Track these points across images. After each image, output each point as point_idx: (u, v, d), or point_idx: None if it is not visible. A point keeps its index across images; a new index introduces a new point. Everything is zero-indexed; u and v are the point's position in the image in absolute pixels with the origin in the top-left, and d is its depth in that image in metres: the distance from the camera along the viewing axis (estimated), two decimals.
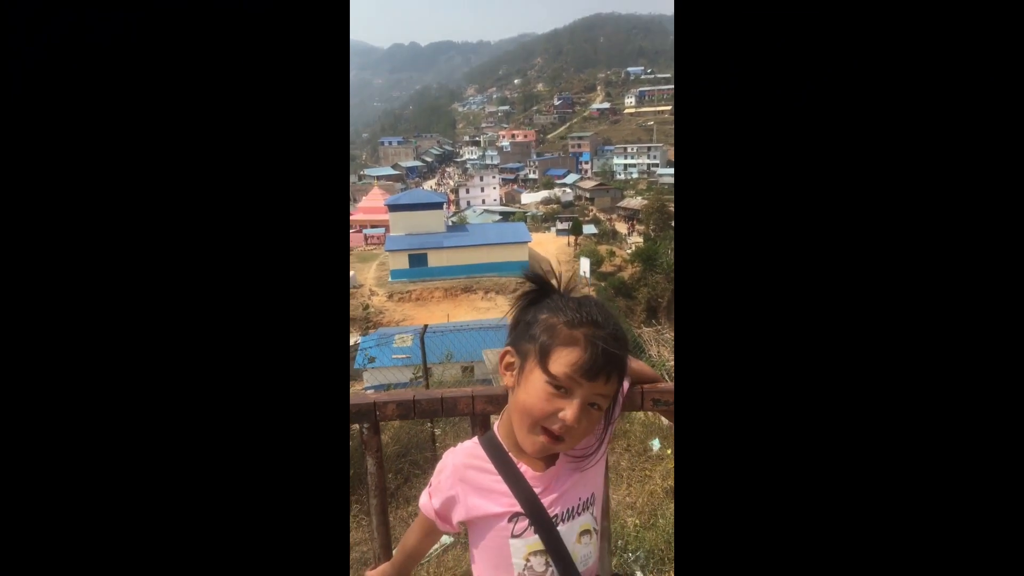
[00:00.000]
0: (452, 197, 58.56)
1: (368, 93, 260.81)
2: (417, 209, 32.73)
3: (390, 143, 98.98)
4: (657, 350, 16.28)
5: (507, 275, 30.35)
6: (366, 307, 27.22)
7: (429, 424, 4.50)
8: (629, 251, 34.41)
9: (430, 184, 73.89)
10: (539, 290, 0.97)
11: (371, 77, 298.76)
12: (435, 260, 30.62)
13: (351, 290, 29.62)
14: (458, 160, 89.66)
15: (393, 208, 33.65)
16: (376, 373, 15.37)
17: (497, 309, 28.18)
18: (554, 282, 0.99)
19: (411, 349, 16.86)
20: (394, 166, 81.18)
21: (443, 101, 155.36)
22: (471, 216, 48.36)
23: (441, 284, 29.60)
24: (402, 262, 30.48)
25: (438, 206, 34.51)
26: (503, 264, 30.73)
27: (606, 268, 31.95)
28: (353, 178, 75.61)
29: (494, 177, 63.43)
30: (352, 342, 21.19)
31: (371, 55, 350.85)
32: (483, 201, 59.12)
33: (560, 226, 41.19)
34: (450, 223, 39.35)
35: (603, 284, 29.73)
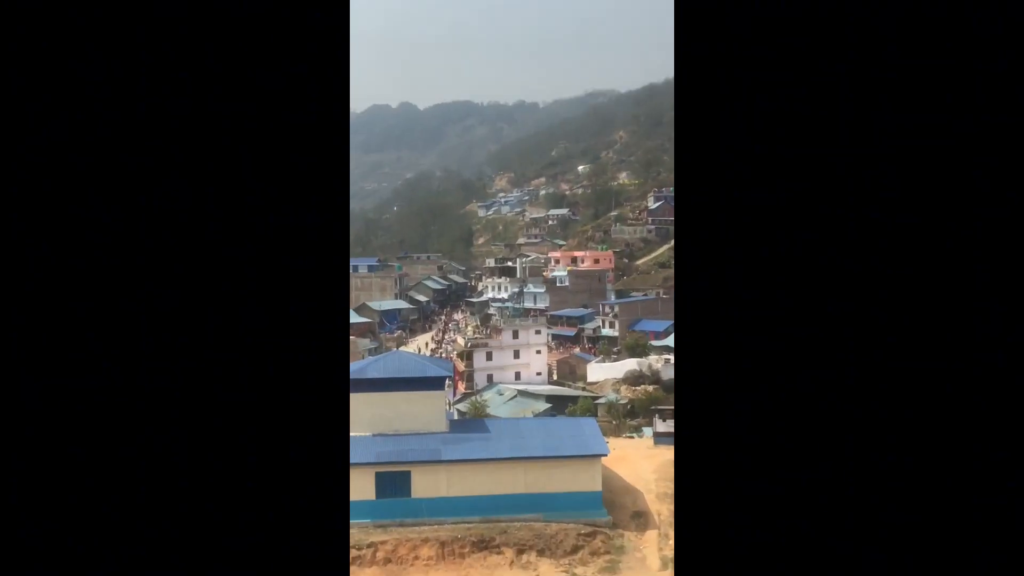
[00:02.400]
0: (462, 368, 59.53)
1: None
2: (397, 388, 33.00)
3: (355, 268, 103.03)
4: None
5: (561, 518, 29.40)
6: None
7: None
8: None
9: (423, 341, 75.76)
10: None
11: None
12: (424, 486, 30.16)
13: None
14: (475, 300, 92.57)
15: (354, 386, 34.02)
16: None
17: None
18: None
19: None
20: (359, 308, 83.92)
21: (452, 199, 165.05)
22: (495, 403, 48.58)
23: (434, 533, 28.73)
24: (365, 488, 30.01)
25: (436, 384, 34.77)
26: (554, 497, 29.96)
27: None
28: None
29: (539, 332, 64.66)
30: None
31: None
32: (518, 375, 60.11)
33: (660, 427, 40.67)
34: (455, 415, 39.18)
35: None
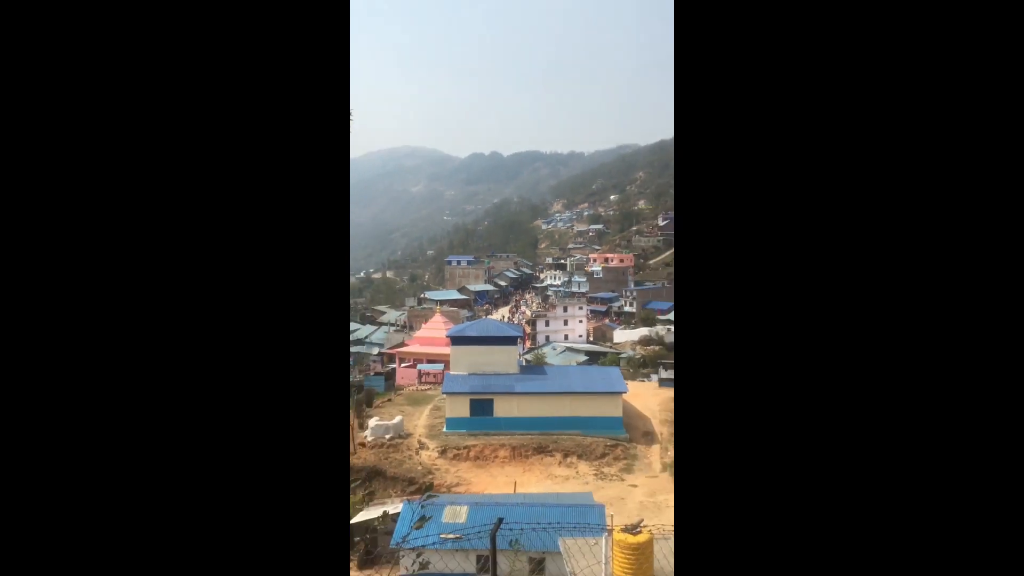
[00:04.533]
0: (529, 330, 59.78)
1: (438, 206, 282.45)
2: (485, 343, 33.35)
3: (458, 262, 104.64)
4: None
5: (593, 434, 29.45)
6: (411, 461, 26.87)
7: None
8: None
9: (502, 313, 76.33)
10: None
11: (443, 188, 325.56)
12: (503, 409, 30.42)
13: (398, 439, 29.58)
14: (538, 286, 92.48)
15: (456, 340, 34.49)
16: (415, 558, 14.55)
17: (578, 479, 26.95)
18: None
19: (465, 527, 16.08)
20: (461, 289, 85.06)
21: (524, 217, 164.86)
22: (551, 355, 48.67)
23: (508, 440, 29.01)
24: (462, 409, 30.48)
25: (511, 341, 35.03)
26: (589, 420, 29.99)
27: None
28: (412, 301, 79.41)
29: (581, 308, 64.58)
30: (389, 510, 20.61)
31: (445, 164, 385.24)
32: (566, 337, 59.88)
33: (664, 374, 40.27)
34: (524, 362, 39.56)
35: None
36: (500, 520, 4.90)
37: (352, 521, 19.49)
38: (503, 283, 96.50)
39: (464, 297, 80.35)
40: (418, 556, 10.88)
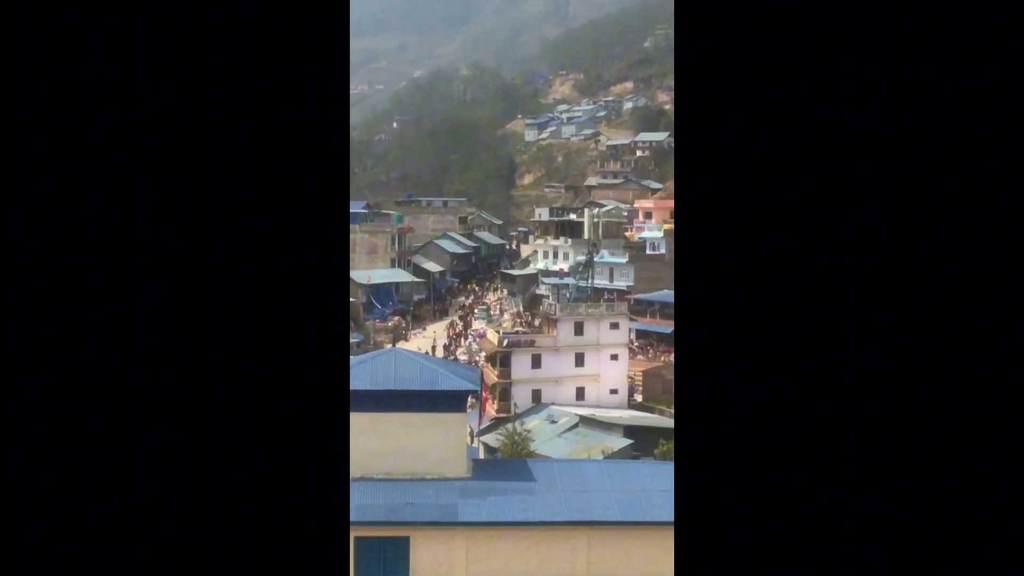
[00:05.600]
0: (493, 377, 59.45)
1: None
2: (392, 409, 33.10)
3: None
4: None
5: None
6: None
7: None
8: None
9: (434, 332, 75.78)
10: None
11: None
12: (428, 561, 30.28)
13: None
14: (515, 272, 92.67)
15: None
16: None
17: None
18: None
19: None
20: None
21: (485, 111, 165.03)
22: (544, 434, 48.53)
23: None
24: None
25: (454, 404, 34.82)
26: None
27: None
28: None
29: (616, 326, 64.58)
30: None
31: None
32: (580, 392, 59.93)
33: None
34: (479, 451, 39.25)
35: None
36: None
37: None
38: (436, 266, 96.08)
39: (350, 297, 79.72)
40: None
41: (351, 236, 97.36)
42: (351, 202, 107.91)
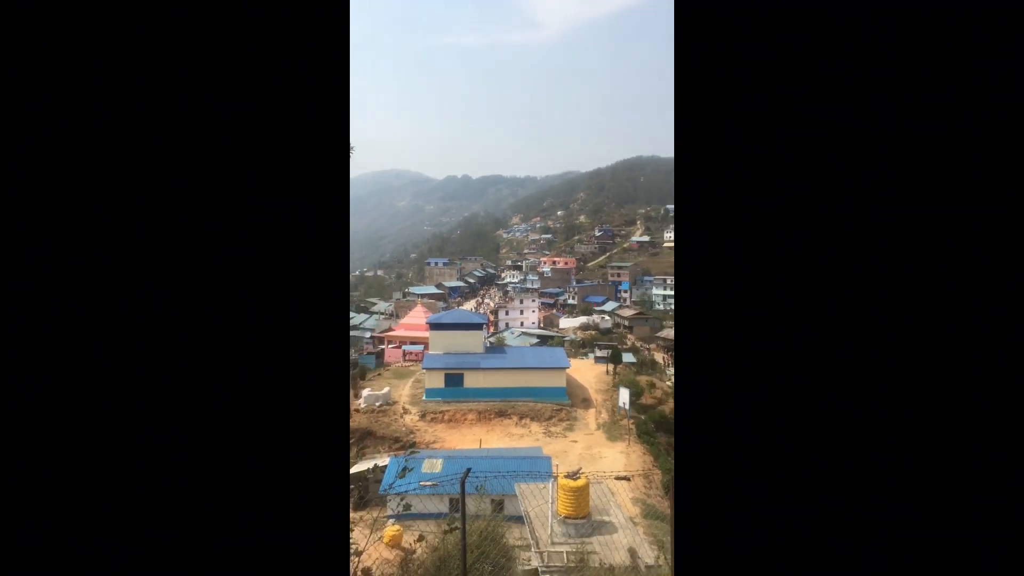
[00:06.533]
0: (492, 318, 59.44)
1: (419, 218, 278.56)
2: (457, 329, 33.13)
3: (436, 263, 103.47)
4: None
5: (542, 401, 29.52)
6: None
7: None
8: (670, 383, 33.29)
9: (471, 305, 75.86)
10: None
11: (424, 204, 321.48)
12: (471, 381, 30.26)
13: (385, 406, 29.18)
14: (500, 283, 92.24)
15: (434, 326, 34.13)
16: (399, 501, 14.39)
17: (531, 436, 27.01)
18: None
19: (440, 476, 15.98)
20: (438, 285, 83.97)
21: (489, 228, 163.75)
22: (509, 338, 48.53)
23: (475, 406, 28.91)
24: (438, 381, 30.21)
25: (478, 327, 34.85)
26: (540, 389, 30.04)
27: (646, 400, 30.75)
28: (398, 295, 78.28)
29: (534, 300, 64.64)
30: (379, 463, 20.35)
31: (426, 184, 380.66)
32: (522, 324, 59.75)
33: (599, 353, 40.61)
34: (488, 344, 39.58)
35: (643, 417, 28.40)
36: (468, 470, 4.86)
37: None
38: (471, 280, 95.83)
39: (440, 292, 79.54)
40: (401, 499, 10.76)
41: (442, 270, 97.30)
42: (442, 259, 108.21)
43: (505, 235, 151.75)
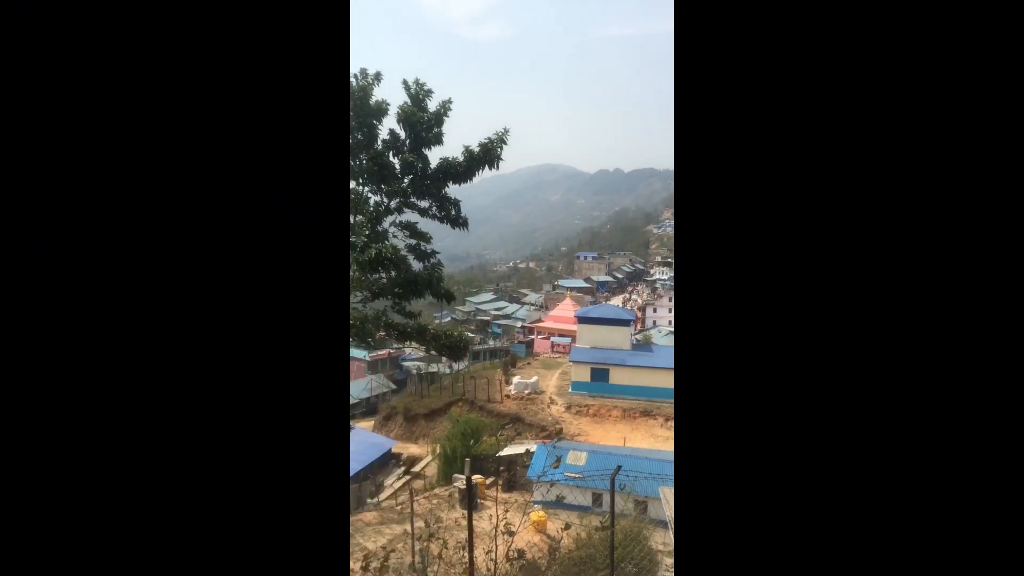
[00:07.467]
0: (639, 315, 58.17)
1: (571, 212, 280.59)
2: (605, 324, 33.06)
3: (585, 257, 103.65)
4: None
5: None
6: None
7: None
8: None
9: (618, 300, 74.74)
10: None
11: (575, 198, 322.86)
12: (617, 377, 30.10)
13: (534, 395, 30.32)
14: (648, 279, 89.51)
15: (582, 320, 34.44)
16: (547, 489, 14.97)
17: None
18: None
19: (584, 469, 16.30)
20: (586, 279, 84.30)
21: (639, 222, 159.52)
22: (656, 336, 47.14)
23: (620, 403, 28.74)
24: (584, 374, 30.55)
25: (626, 323, 34.41)
26: None
27: None
28: (548, 287, 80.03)
29: None
30: (527, 448, 21.29)
31: (578, 179, 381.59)
32: (670, 322, 57.57)
33: None
34: (635, 340, 38.89)
35: None
36: (619, 467, 5.07)
37: (499, 454, 20.39)
38: (620, 276, 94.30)
39: (589, 285, 79.72)
40: (551, 487, 11.28)
41: (591, 264, 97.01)
42: (591, 253, 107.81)
43: (656, 230, 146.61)
